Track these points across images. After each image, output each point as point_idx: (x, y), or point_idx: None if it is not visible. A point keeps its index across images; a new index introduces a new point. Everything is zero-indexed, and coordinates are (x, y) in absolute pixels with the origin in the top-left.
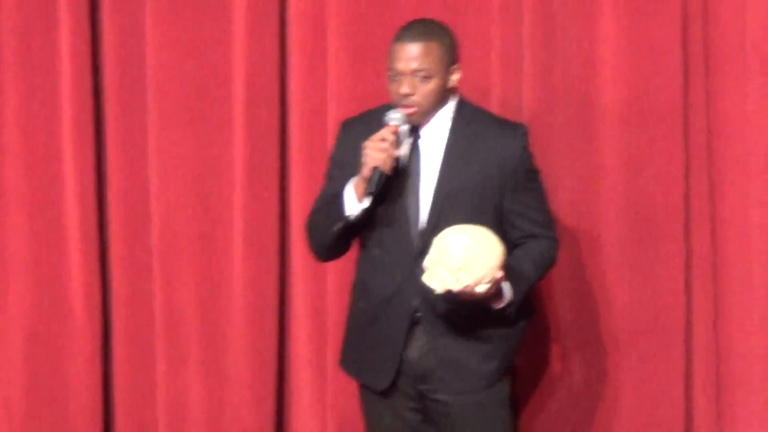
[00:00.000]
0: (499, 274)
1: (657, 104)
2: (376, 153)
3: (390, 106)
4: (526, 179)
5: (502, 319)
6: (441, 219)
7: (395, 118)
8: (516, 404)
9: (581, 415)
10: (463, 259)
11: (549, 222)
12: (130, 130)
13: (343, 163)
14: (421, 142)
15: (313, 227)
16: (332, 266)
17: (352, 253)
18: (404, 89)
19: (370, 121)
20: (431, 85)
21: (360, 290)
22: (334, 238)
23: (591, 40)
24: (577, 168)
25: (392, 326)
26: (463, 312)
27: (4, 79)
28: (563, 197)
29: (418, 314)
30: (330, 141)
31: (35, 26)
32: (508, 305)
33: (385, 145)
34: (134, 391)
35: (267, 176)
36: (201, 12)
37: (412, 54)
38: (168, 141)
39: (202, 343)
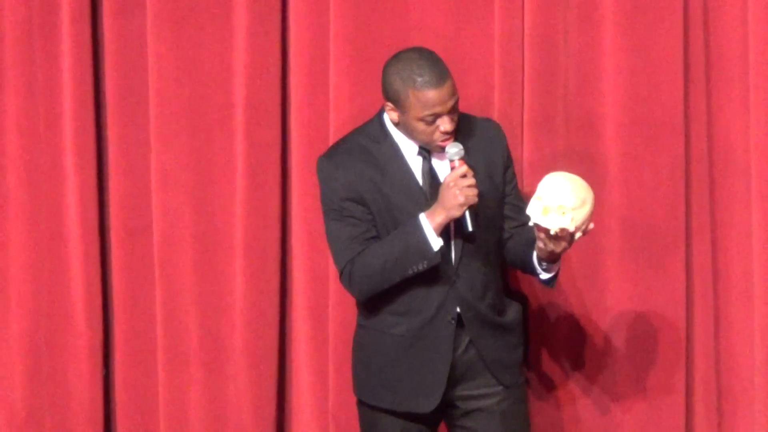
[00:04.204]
0: (592, 225)
1: (658, 114)
2: (467, 191)
3: (367, 128)
4: (512, 171)
5: (517, 306)
6: (464, 228)
7: (456, 152)
8: None
9: (580, 426)
10: (580, 199)
11: None
12: (131, 135)
13: (358, 198)
14: (433, 162)
15: (375, 271)
16: (333, 272)
17: None
18: (449, 126)
19: (358, 149)
20: (458, 109)
21: (395, 318)
22: (406, 277)
23: (592, 50)
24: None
25: (437, 341)
26: (497, 305)
27: (5, 85)
28: None
29: (461, 319)
30: None
31: (37, 33)
32: (557, 273)
33: (471, 180)
34: (135, 397)
35: (268, 182)
36: (202, 18)
37: (447, 94)
38: (169, 147)
39: (202, 349)
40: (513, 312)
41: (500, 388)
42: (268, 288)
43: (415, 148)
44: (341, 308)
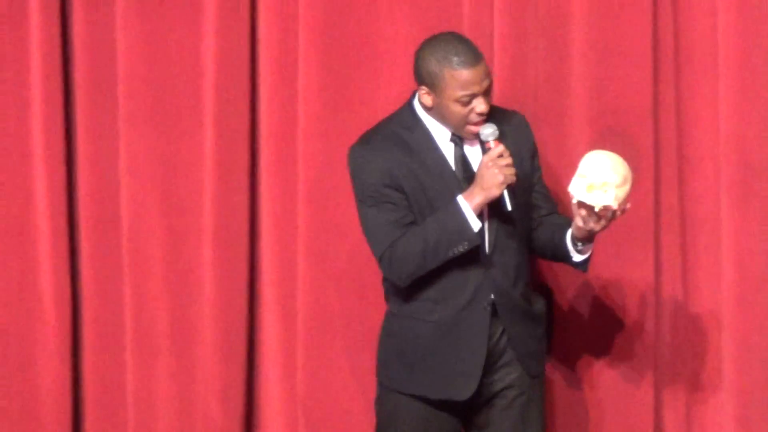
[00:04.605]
0: (629, 204)
1: (627, 106)
2: (506, 170)
3: (398, 116)
4: (538, 160)
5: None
6: (501, 215)
7: (491, 132)
8: None
9: (549, 418)
10: (622, 177)
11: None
12: (100, 129)
13: (395, 184)
14: (465, 148)
15: (415, 255)
16: (302, 263)
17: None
18: (484, 107)
19: (391, 136)
20: (491, 91)
21: (430, 305)
22: (446, 260)
23: (561, 44)
24: (548, 168)
25: (473, 329)
26: (527, 294)
27: None
28: None
29: (495, 307)
30: (301, 140)
31: (5, 25)
32: (590, 256)
33: (508, 159)
34: (104, 389)
35: (237, 174)
36: (171, 10)
37: (483, 74)
38: (138, 140)
39: (171, 340)
40: (540, 303)
41: (527, 379)
42: (237, 278)
43: (448, 134)
44: (310, 298)
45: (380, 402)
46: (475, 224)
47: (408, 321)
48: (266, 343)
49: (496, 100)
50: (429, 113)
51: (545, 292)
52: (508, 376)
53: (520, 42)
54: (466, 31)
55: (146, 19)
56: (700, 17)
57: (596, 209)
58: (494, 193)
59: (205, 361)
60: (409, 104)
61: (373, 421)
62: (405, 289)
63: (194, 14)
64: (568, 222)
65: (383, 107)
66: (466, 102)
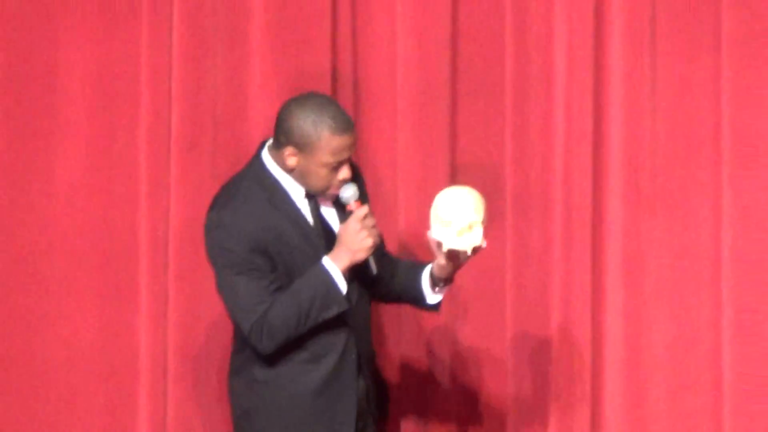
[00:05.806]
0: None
1: None
2: (373, 231)
3: (250, 174)
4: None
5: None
6: (359, 269)
7: (352, 194)
8: None
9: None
10: (482, 211)
11: None
12: None
13: (262, 248)
14: (320, 206)
15: (287, 323)
16: None
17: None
18: (348, 174)
19: (252, 197)
20: None
21: (303, 366)
22: (316, 324)
23: (240, 74)
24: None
25: (345, 383)
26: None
27: None
28: None
29: (359, 360)
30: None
31: None
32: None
33: (373, 220)
34: None
35: None
36: None
37: (354, 140)
38: None
39: None
40: None
41: (373, 428)
42: None
43: (302, 191)
44: None
45: None
46: (344, 287)
47: (278, 387)
48: None
49: (175, 134)
50: (288, 173)
51: None
52: (366, 427)
53: (200, 75)
54: (144, 36)
55: None
56: (379, 54)
57: (469, 253)
58: (362, 256)
59: None
60: (258, 162)
61: None
62: (273, 354)
63: None
64: (414, 265)
65: (61, 137)
66: (335, 167)
